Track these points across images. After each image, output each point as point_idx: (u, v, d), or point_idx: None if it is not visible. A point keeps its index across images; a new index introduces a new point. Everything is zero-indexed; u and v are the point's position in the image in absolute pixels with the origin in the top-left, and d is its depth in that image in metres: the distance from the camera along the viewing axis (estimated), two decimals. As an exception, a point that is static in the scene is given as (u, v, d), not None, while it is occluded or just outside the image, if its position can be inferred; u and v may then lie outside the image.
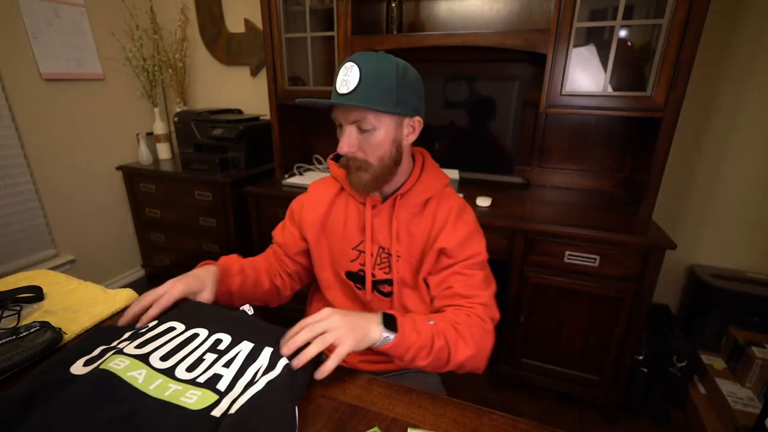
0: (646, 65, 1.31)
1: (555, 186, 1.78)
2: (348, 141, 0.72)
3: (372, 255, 0.82)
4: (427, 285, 0.83)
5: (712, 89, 1.54)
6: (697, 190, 1.66)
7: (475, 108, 1.66)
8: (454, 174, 1.63)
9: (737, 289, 1.53)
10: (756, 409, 1.31)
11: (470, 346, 0.71)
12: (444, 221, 0.80)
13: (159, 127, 2.31)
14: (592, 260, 1.32)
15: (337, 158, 0.89)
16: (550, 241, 1.35)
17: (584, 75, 1.38)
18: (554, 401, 1.58)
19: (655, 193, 1.35)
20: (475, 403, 0.59)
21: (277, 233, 0.95)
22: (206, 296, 0.73)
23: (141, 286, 2.42)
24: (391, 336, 0.65)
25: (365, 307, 0.87)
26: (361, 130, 0.72)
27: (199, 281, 0.74)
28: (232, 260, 0.85)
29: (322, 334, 0.60)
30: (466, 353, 0.71)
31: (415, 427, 0.55)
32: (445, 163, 1.63)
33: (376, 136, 0.72)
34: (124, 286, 0.91)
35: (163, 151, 2.34)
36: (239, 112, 2.25)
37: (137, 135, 2.30)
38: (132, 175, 2.21)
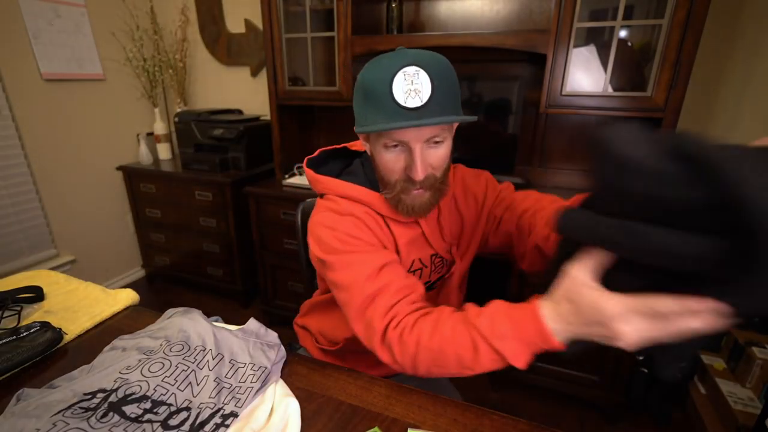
0: (647, 65, 1.31)
1: (555, 186, 1.78)
2: (424, 163, 0.61)
3: (426, 267, 0.77)
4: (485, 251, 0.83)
5: (713, 89, 1.54)
6: (698, 191, 1.66)
7: (476, 108, 1.66)
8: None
9: (737, 289, 1.52)
10: (756, 409, 1.31)
11: None
12: (468, 191, 0.80)
13: (159, 128, 2.31)
14: (593, 260, 1.32)
15: (314, 165, 0.75)
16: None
17: (584, 75, 1.38)
18: (554, 401, 1.58)
19: (656, 194, 1.35)
20: (475, 403, 0.59)
21: (383, 279, 0.62)
22: None
23: (141, 287, 2.42)
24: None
25: None
26: (431, 146, 0.62)
27: None
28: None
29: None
30: None
31: (415, 427, 0.55)
32: (445, 164, 1.66)
33: (443, 148, 0.63)
34: (125, 287, 0.91)
35: (164, 151, 2.35)
36: (239, 112, 2.26)
37: (137, 135, 2.31)
38: (132, 175, 2.21)
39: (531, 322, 0.49)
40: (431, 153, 0.62)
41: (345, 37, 1.58)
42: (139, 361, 0.61)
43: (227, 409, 0.55)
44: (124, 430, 0.51)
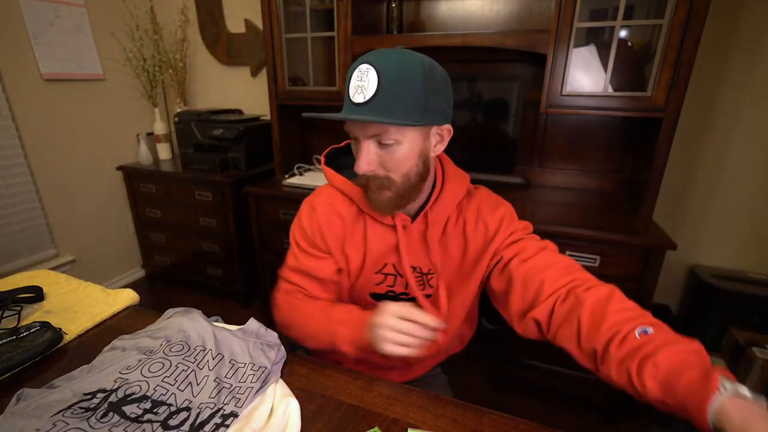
0: (647, 65, 1.31)
1: (555, 186, 1.78)
2: (366, 158, 0.62)
3: (402, 276, 0.76)
4: (486, 290, 0.77)
5: (713, 89, 1.54)
6: (698, 191, 1.66)
7: (475, 108, 1.66)
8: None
9: (738, 289, 1.53)
10: (756, 409, 1.31)
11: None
12: (482, 220, 0.74)
13: (159, 128, 2.31)
14: (593, 260, 1.32)
15: (330, 162, 0.78)
16: (551, 241, 1.35)
17: (584, 75, 1.38)
18: (555, 402, 1.58)
19: (656, 194, 1.35)
20: (476, 404, 0.59)
21: (315, 269, 0.77)
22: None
23: (141, 287, 2.42)
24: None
25: None
26: (382, 145, 0.62)
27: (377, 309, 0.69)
28: (329, 300, 0.80)
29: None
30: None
31: (415, 427, 0.55)
32: (445, 164, 1.66)
33: (400, 150, 0.62)
34: (125, 287, 0.91)
35: (164, 151, 2.35)
36: (239, 112, 2.25)
37: (137, 135, 2.31)
38: (132, 175, 2.21)
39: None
40: (384, 153, 0.63)
41: (345, 37, 1.58)
42: (139, 361, 0.61)
43: (227, 409, 0.55)
44: (124, 430, 0.51)
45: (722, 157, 1.59)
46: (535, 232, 1.39)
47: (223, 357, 0.64)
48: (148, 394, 0.56)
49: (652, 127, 1.37)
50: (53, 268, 1.48)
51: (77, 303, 0.84)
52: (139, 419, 0.53)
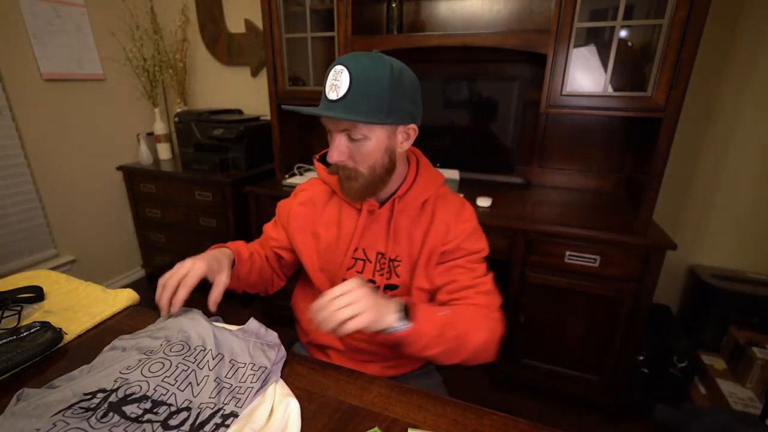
0: (647, 65, 1.31)
1: (555, 186, 1.78)
2: (338, 150, 0.70)
3: (371, 261, 0.81)
4: (430, 283, 0.82)
5: (713, 89, 1.54)
6: (698, 191, 1.66)
7: (476, 108, 1.66)
8: (454, 174, 1.63)
9: (738, 289, 1.53)
10: (757, 409, 1.31)
11: (482, 334, 0.71)
12: (445, 222, 0.79)
13: (159, 128, 2.31)
14: (593, 260, 1.32)
15: (323, 159, 0.87)
16: (551, 242, 1.35)
17: (585, 75, 1.38)
18: (555, 402, 1.58)
19: (656, 194, 1.35)
20: (476, 404, 0.59)
21: (269, 228, 0.95)
22: (224, 279, 0.74)
23: (141, 287, 2.42)
24: (405, 325, 0.64)
25: None
26: (352, 139, 0.69)
27: (218, 263, 0.75)
28: (241, 246, 0.86)
29: (346, 306, 0.60)
30: (477, 341, 0.70)
31: (415, 427, 0.55)
32: (445, 163, 1.66)
33: (367, 145, 0.70)
34: (125, 287, 0.91)
35: (164, 151, 2.35)
36: (239, 112, 2.25)
37: (138, 135, 2.31)
38: (132, 175, 2.21)
39: None
40: (353, 147, 0.71)
41: (345, 37, 1.58)
42: (139, 361, 0.61)
43: (227, 409, 0.55)
44: (124, 430, 0.51)
45: (722, 157, 1.59)
46: (536, 231, 1.40)
47: (224, 357, 0.64)
48: (148, 394, 0.56)
49: (652, 127, 1.37)
50: (53, 268, 1.49)
51: (77, 303, 0.84)
52: (140, 419, 0.53)
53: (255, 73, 2.24)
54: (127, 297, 0.86)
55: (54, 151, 2.00)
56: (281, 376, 0.64)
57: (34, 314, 0.80)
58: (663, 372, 1.49)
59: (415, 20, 1.78)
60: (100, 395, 0.55)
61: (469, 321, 0.72)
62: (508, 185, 1.80)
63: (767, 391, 1.34)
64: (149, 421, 0.53)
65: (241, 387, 0.59)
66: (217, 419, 0.54)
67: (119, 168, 2.22)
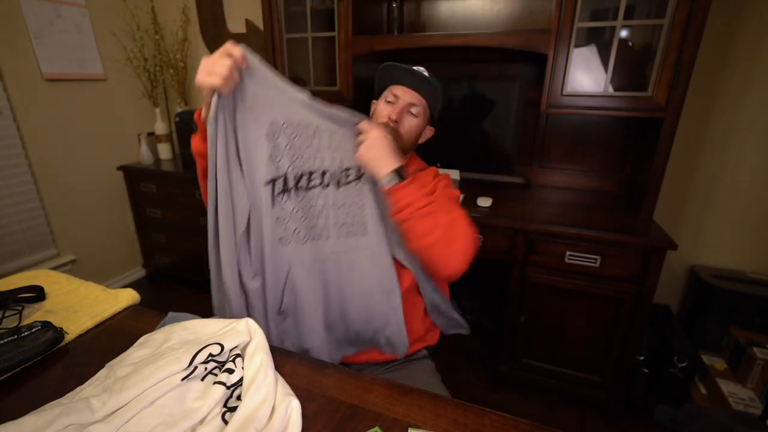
0: (647, 65, 1.31)
1: (556, 186, 1.78)
2: (399, 113, 0.87)
3: None
4: None
5: (713, 89, 1.54)
6: (698, 191, 1.66)
7: (476, 108, 1.66)
8: (454, 174, 1.63)
9: (738, 289, 1.53)
10: (757, 409, 1.31)
11: (458, 230, 0.76)
12: (424, 182, 0.88)
13: (160, 127, 2.31)
14: (593, 260, 1.32)
15: None
16: (551, 242, 1.35)
17: (585, 75, 1.38)
18: (555, 402, 1.58)
19: (656, 194, 1.35)
20: (476, 404, 0.59)
21: None
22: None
23: (142, 286, 2.42)
24: (392, 182, 0.75)
25: None
26: (409, 112, 0.88)
27: None
28: None
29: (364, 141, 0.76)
30: (452, 232, 0.75)
31: (415, 427, 0.55)
32: (445, 163, 1.66)
33: (415, 122, 0.90)
34: (125, 286, 0.91)
35: (164, 151, 2.35)
36: (240, 112, 2.25)
37: (138, 135, 2.31)
38: (133, 175, 2.22)
39: None
40: (407, 118, 0.90)
41: (346, 37, 1.58)
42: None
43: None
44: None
45: (723, 157, 1.59)
46: (536, 231, 1.40)
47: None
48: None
49: (652, 127, 1.37)
50: (54, 268, 1.49)
51: (78, 303, 0.84)
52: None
53: (255, 73, 2.24)
54: (127, 297, 0.86)
55: (55, 150, 2.00)
56: (282, 376, 0.64)
57: (35, 314, 0.80)
58: (663, 372, 1.49)
59: (416, 20, 1.78)
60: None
61: (449, 216, 0.77)
62: (509, 185, 1.80)
63: (767, 391, 1.34)
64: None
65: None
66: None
67: (120, 168, 2.22)
